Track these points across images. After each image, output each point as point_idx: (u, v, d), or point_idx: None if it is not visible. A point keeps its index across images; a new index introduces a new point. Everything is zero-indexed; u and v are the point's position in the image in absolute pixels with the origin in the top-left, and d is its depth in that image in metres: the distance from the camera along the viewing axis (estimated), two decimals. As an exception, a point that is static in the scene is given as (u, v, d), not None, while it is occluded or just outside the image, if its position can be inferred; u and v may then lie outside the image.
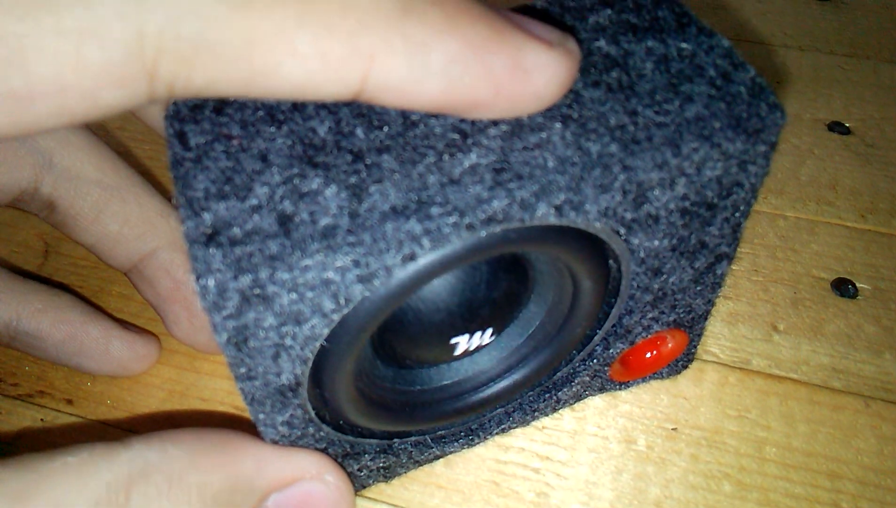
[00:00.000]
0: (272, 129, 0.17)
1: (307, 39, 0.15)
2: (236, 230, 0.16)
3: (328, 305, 0.16)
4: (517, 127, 0.18)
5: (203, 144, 0.17)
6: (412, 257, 0.16)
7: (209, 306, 0.15)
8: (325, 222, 0.16)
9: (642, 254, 0.20)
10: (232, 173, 0.16)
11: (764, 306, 0.30)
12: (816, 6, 0.45)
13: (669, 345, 0.25)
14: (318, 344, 0.17)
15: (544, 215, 0.17)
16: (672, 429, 0.27)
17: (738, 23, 0.44)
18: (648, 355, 0.25)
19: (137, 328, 0.29)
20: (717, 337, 0.29)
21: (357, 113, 0.18)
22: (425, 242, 0.16)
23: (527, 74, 0.16)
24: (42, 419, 0.27)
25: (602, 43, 0.19)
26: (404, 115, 0.18)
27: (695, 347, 0.26)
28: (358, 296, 0.16)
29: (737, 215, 0.20)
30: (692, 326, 0.25)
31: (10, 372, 0.29)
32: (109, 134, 0.38)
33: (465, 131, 0.17)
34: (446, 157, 0.17)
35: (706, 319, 0.25)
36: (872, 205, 0.34)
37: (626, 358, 0.25)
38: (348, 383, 0.19)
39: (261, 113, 0.18)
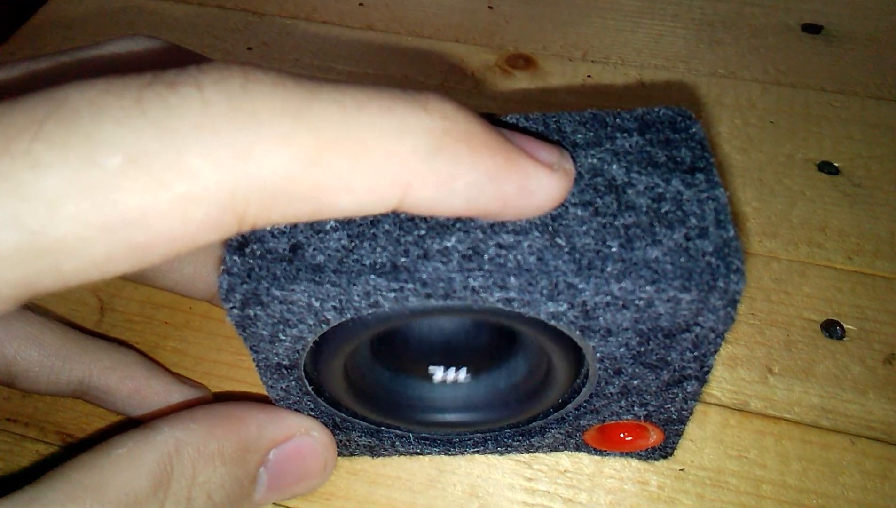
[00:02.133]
0: None
1: (361, 181, 0.19)
2: (257, 247, 0.21)
3: (310, 320, 0.21)
4: (500, 225, 0.21)
5: None
6: (376, 305, 0.21)
7: (221, 297, 0.20)
8: (320, 259, 0.20)
9: (600, 355, 0.23)
10: None
11: (760, 348, 0.33)
12: (808, 40, 0.47)
13: (651, 438, 0.28)
14: (306, 344, 0.23)
15: (495, 303, 0.21)
16: (680, 470, 0.30)
17: (734, 58, 0.46)
18: (623, 435, 0.28)
19: (193, 382, 0.32)
20: (719, 380, 0.32)
21: None
22: (390, 296, 0.21)
23: (530, 193, 0.20)
24: (115, 474, 0.30)
25: (614, 168, 0.22)
26: None
27: (672, 443, 0.29)
28: (334, 321, 0.22)
29: (700, 350, 0.22)
30: (668, 426, 0.27)
31: (80, 429, 0.32)
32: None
33: (458, 218, 0.21)
34: (432, 234, 0.21)
35: (684, 423, 0.27)
36: (858, 246, 0.37)
37: (601, 431, 0.28)
38: (339, 375, 0.25)
39: None
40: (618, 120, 0.24)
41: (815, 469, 0.30)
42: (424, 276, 0.20)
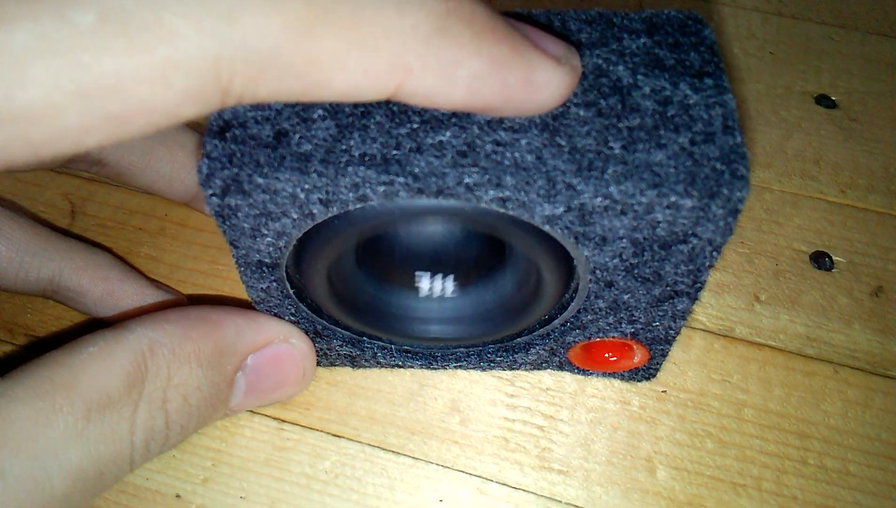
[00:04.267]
0: None
1: (356, 59, 0.17)
2: (239, 132, 0.19)
3: (294, 213, 0.20)
4: (498, 122, 0.20)
5: None
6: (365, 199, 0.20)
7: (201, 183, 0.19)
8: (306, 147, 0.19)
9: (593, 265, 0.22)
10: None
11: (748, 276, 0.33)
12: (811, -28, 0.46)
13: (635, 358, 0.28)
14: (290, 240, 0.22)
15: (489, 203, 0.20)
16: (662, 391, 0.30)
17: (736, -13, 0.45)
18: (608, 355, 0.28)
19: (167, 287, 0.31)
20: (705, 306, 0.32)
21: None
22: (379, 190, 0.19)
23: (535, 87, 0.19)
24: (86, 377, 0.29)
25: (620, 68, 0.21)
26: None
27: (657, 363, 0.28)
28: (319, 215, 0.20)
29: (695, 263, 0.22)
30: (654, 345, 0.27)
31: (50, 332, 0.31)
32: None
33: (453, 112, 0.20)
34: (426, 128, 0.20)
35: (670, 343, 0.27)
36: (852, 180, 0.36)
37: (586, 349, 0.28)
38: (322, 279, 0.24)
39: None
40: (625, 21, 0.23)
41: (797, 396, 0.30)
42: (416, 170, 0.19)
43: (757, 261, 0.33)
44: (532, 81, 0.19)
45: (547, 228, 0.20)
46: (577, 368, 0.29)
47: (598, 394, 0.30)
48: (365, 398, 0.29)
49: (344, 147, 0.19)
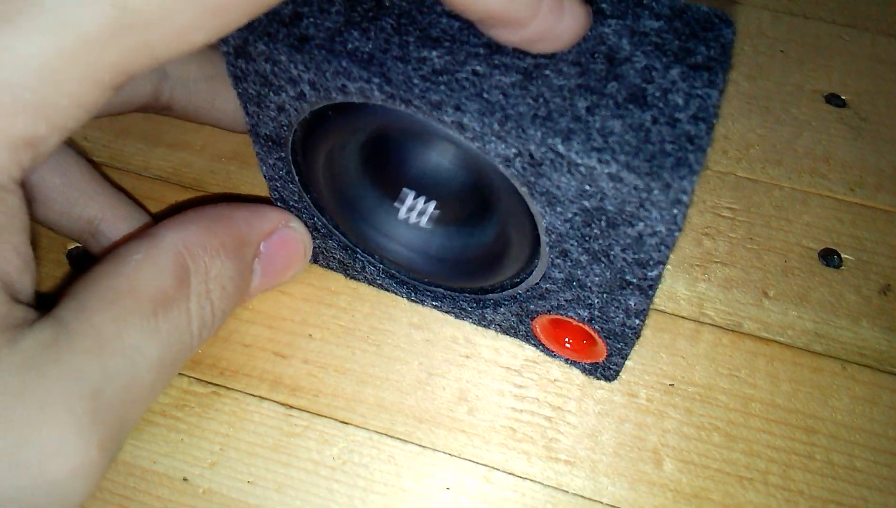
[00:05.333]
0: None
1: None
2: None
3: (290, 89, 0.23)
4: (489, 52, 0.21)
5: None
6: (344, 91, 0.22)
7: (219, 43, 0.22)
8: (311, 31, 0.22)
9: (546, 225, 0.23)
10: None
11: (757, 272, 0.33)
12: (823, -28, 0.46)
13: (594, 349, 0.28)
14: (290, 119, 0.24)
15: (452, 122, 0.21)
16: (670, 385, 0.30)
17: (747, -14, 0.45)
18: (567, 339, 0.28)
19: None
20: (713, 301, 0.32)
21: None
22: (356, 85, 0.21)
23: (561, 15, 0.20)
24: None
25: (623, 42, 0.22)
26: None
27: (615, 363, 0.28)
28: (310, 96, 0.23)
29: (643, 252, 0.22)
30: (611, 340, 0.27)
31: (60, 315, 0.31)
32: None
33: (452, 36, 0.22)
34: (419, 43, 0.21)
35: (628, 344, 0.27)
36: (861, 179, 0.36)
37: (550, 327, 0.28)
38: (321, 167, 0.26)
39: None
40: (654, 3, 0.23)
41: (804, 391, 0.30)
42: (391, 75, 0.21)
43: (766, 257, 0.33)
44: (562, 8, 0.20)
45: (503, 169, 0.21)
46: (542, 345, 0.29)
47: (606, 386, 0.30)
48: (373, 386, 0.29)
49: (341, 39, 0.21)
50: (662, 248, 0.22)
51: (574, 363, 0.29)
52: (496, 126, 0.20)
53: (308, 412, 0.28)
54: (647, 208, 0.20)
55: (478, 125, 0.20)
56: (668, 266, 0.33)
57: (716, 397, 0.29)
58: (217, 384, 0.29)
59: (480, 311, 0.29)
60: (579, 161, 0.20)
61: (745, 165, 0.36)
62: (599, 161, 0.19)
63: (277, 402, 0.29)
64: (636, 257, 0.22)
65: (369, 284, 0.31)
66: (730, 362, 0.30)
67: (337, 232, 0.29)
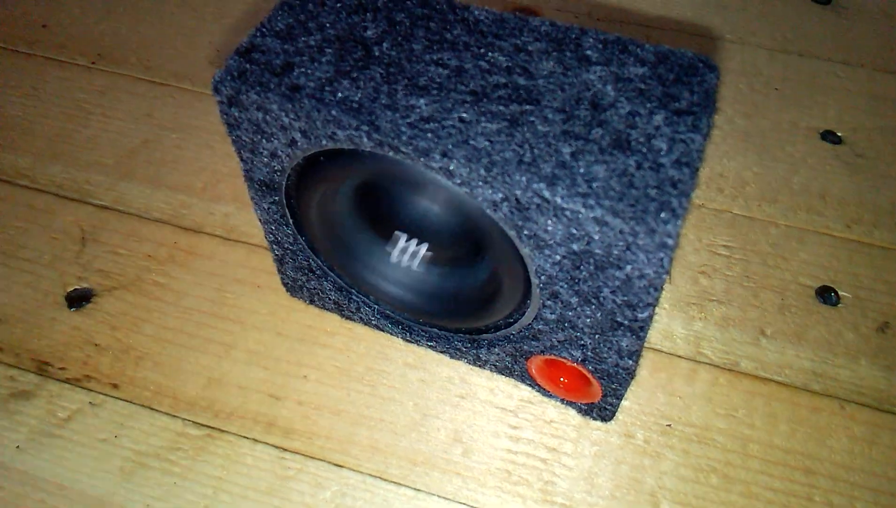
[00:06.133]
0: (351, 18, 0.24)
1: None
2: (258, 56, 0.23)
3: (281, 137, 0.23)
4: (475, 99, 0.22)
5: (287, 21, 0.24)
6: (334, 138, 0.22)
7: (213, 89, 0.23)
8: (302, 81, 0.22)
9: (536, 268, 0.23)
10: (294, 29, 0.24)
11: (754, 311, 0.33)
12: (817, 10, 0.47)
13: (589, 390, 0.28)
14: (284, 165, 0.25)
15: (440, 169, 0.21)
16: (667, 425, 0.29)
17: (742, 24, 0.45)
18: (562, 379, 0.28)
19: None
20: (710, 340, 0.32)
21: (421, 27, 0.24)
22: (345, 133, 0.22)
23: None
24: (91, 403, 0.30)
25: (608, 88, 0.22)
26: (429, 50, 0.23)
27: (611, 404, 0.28)
28: (302, 144, 0.23)
29: (633, 295, 0.22)
30: (605, 380, 0.27)
31: (57, 357, 0.31)
32: (137, 122, 0.39)
33: (440, 84, 0.22)
34: (408, 89, 0.22)
35: (622, 385, 0.27)
36: (858, 215, 0.36)
37: (544, 367, 0.28)
38: (315, 211, 0.26)
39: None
40: (638, 49, 0.23)
41: (803, 431, 0.29)
42: (380, 123, 0.21)
43: (763, 295, 0.33)
44: None
45: (491, 213, 0.22)
46: (537, 385, 0.29)
47: (602, 427, 0.29)
48: (367, 427, 0.29)
49: (331, 89, 0.22)
50: (651, 290, 0.22)
51: (570, 404, 0.29)
52: (482, 172, 0.20)
53: (302, 454, 0.28)
54: (634, 251, 0.20)
55: (465, 171, 0.21)
56: (665, 305, 0.33)
57: (713, 437, 0.29)
58: (211, 427, 0.29)
59: (475, 351, 0.29)
60: (565, 205, 0.20)
61: (742, 202, 0.36)
62: (584, 205, 0.20)
63: (271, 444, 0.29)
64: (625, 299, 0.22)
65: (365, 324, 0.31)
66: (727, 401, 0.30)
67: (332, 273, 0.29)
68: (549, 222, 0.21)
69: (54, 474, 0.28)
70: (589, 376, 0.27)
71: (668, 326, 0.32)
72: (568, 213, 0.20)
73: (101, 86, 0.41)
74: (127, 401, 0.30)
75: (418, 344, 0.31)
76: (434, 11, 0.24)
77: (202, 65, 0.42)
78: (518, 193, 0.20)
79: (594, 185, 0.20)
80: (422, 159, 0.21)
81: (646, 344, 0.31)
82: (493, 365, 0.30)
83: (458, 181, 0.21)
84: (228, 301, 0.33)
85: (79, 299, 0.33)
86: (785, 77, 0.43)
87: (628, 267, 0.21)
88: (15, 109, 0.40)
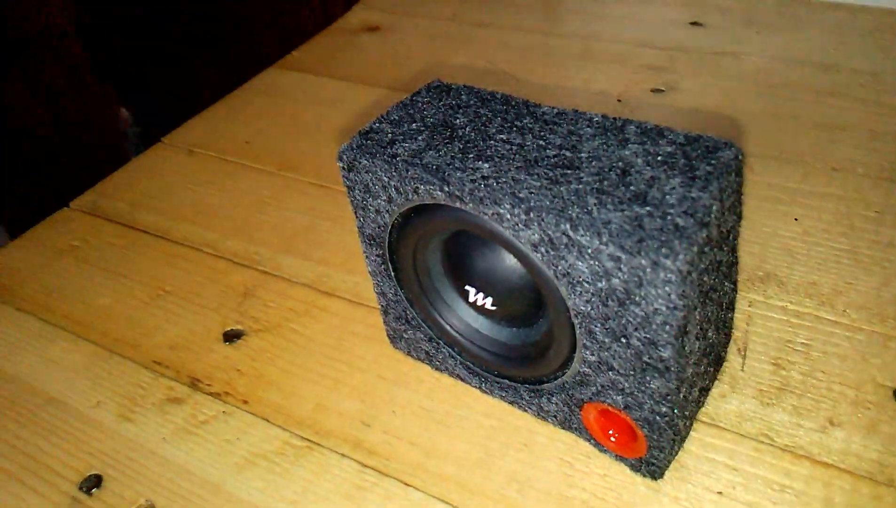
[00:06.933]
0: (448, 112, 0.32)
1: None
2: (373, 135, 0.31)
3: (382, 195, 0.30)
4: (527, 165, 0.27)
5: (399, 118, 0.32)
6: (416, 191, 0.29)
7: (337, 159, 0.31)
8: (399, 150, 0.29)
9: (573, 309, 0.27)
10: (403, 119, 0.32)
11: (825, 402, 0.34)
12: (933, 146, 0.48)
13: (635, 444, 0.30)
14: (385, 221, 0.30)
15: (493, 214, 0.26)
16: (717, 493, 0.31)
17: (852, 158, 0.48)
18: (611, 432, 0.31)
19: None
20: (777, 424, 0.33)
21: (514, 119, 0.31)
22: (423, 189, 0.28)
23: None
24: (224, 412, 0.36)
25: (639, 161, 0.27)
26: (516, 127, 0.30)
27: (657, 458, 0.30)
28: (395, 199, 0.30)
29: (652, 332, 0.25)
30: (648, 431, 0.29)
31: (207, 375, 0.38)
32: (302, 213, 0.49)
33: (502, 155, 0.28)
34: (476, 158, 0.28)
35: (661, 434, 0.29)
36: (952, 328, 0.36)
37: (596, 420, 0.31)
38: (409, 264, 0.32)
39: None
40: (671, 135, 0.28)
41: (860, 516, 0.29)
42: (450, 179, 0.28)
43: (836, 388, 0.34)
44: None
45: (533, 255, 0.27)
46: (592, 439, 0.32)
47: (654, 486, 0.31)
48: (437, 459, 0.33)
49: (419, 157, 0.29)
50: (667, 328, 0.25)
51: (622, 459, 0.32)
52: (523, 215, 0.26)
53: (379, 471, 0.33)
54: (645, 286, 0.24)
55: (509, 215, 0.26)
56: (736, 386, 0.34)
57: (763, 510, 0.30)
58: (311, 441, 0.34)
59: (537, 402, 0.33)
60: (584, 243, 0.25)
61: (828, 308, 0.38)
62: (600, 243, 0.24)
63: (355, 460, 0.33)
64: (647, 336, 0.26)
65: (450, 375, 0.36)
66: (785, 481, 0.31)
67: (424, 324, 0.34)
68: (578, 261, 0.26)
69: (186, 461, 0.34)
70: (634, 427, 0.29)
71: (738, 407, 0.34)
72: (589, 250, 0.25)
73: (281, 187, 0.52)
74: (252, 414, 0.36)
75: (492, 395, 0.35)
76: (511, 107, 0.31)
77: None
78: (550, 232, 0.25)
79: (609, 227, 0.24)
80: (479, 207, 0.27)
81: (711, 421, 0.33)
82: (554, 416, 0.33)
83: (507, 226, 0.27)
84: (344, 348, 0.39)
85: (233, 337, 0.40)
86: (887, 204, 0.44)
87: (643, 302, 0.25)
88: (213, 198, 0.52)
